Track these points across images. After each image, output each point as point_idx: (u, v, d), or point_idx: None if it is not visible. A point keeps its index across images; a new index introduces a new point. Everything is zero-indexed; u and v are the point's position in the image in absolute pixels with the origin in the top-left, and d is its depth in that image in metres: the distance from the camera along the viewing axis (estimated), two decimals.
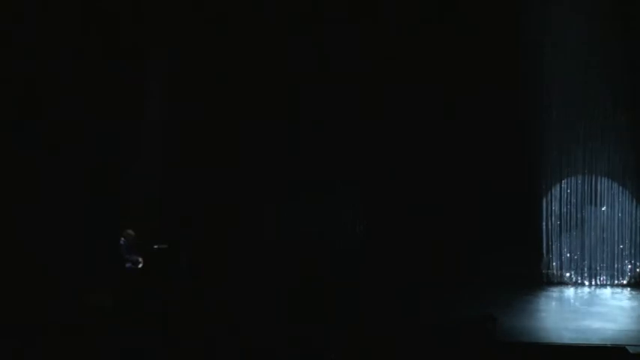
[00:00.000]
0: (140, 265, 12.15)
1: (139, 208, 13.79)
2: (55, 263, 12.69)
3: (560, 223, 14.64)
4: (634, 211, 14.51)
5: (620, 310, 12.99)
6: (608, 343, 10.63)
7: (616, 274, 14.56)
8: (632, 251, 14.54)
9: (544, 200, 14.65)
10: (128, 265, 12.06)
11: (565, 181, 14.63)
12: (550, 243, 14.63)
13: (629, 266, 14.54)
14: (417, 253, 14.01)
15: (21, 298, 11.42)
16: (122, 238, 12.07)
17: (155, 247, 12.39)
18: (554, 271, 14.64)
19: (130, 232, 12.18)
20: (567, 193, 14.63)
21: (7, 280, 12.04)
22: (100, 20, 13.71)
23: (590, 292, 14.26)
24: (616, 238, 14.56)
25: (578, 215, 14.63)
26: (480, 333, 10.16)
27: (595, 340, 10.80)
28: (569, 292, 14.33)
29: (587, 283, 14.60)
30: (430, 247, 14.08)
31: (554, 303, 13.66)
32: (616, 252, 14.57)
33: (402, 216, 14.36)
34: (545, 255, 14.58)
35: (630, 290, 14.26)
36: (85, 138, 13.70)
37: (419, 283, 13.37)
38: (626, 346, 10.19)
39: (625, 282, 14.52)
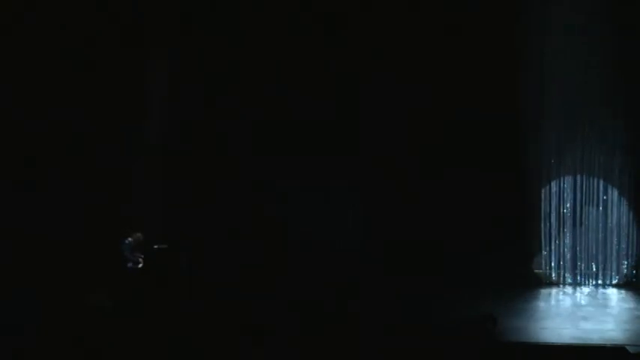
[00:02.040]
0: (140, 265, 12.16)
1: (139, 209, 13.80)
2: (55, 263, 12.72)
3: (559, 224, 14.64)
4: (632, 212, 14.50)
5: (619, 310, 13.00)
6: (608, 343, 10.64)
7: (614, 274, 14.56)
8: (630, 252, 14.54)
9: (543, 201, 14.65)
10: (129, 264, 12.06)
11: (564, 181, 14.63)
12: (549, 243, 14.63)
13: (626, 266, 14.54)
14: (416, 253, 14.03)
15: (21, 297, 11.43)
16: (129, 238, 12.05)
17: (155, 247, 12.40)
18: (552, 272, 14.64)
19: (139, 235, 12.16)
20: (566, 193, 14.62)
21: (7, 279, 12.07)
22: (100, 20, 13.74)
23: (589, 292, 14.27)
24: (614, 239, 14.56)
25: (577, 216, 14.63)
26: (480, 333, 10.17)
27: (595, 340, 10.81)
28: (569, 292, 14.34)
29: (586, 283, 14.61)
30: (430, 247, 14.09)
31: (553, 303, 13.67)
32: (614, 252, 14.57)
33: (402, 216, 14.37)
34: (538, 254, 14.58)
35: (628, 290, 14.26)
36: (85, 138, 13.72)
37: (419, 283, 13.38)
38: (626, 346, 10.20)
39: (623, 282, 14.52)
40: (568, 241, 14.64)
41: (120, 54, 13.83)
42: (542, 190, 14.65)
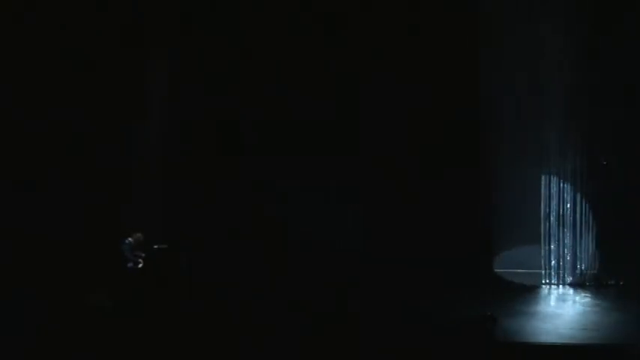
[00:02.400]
0: (140, 265, 12.16)
1: (139, 209, 13.80)
2: (55, 263, 12.72)
3: (559, 224, 14.64)
4: (630, 214, 14.49)
5: (618, 309, 13.00)
6: (608, 342, 10.65)
7: (613, 274, 14.56)
8: (628, 252, 14.53)
9: (542, 201, 14.64)
10: (129, 264, 12.07)
11: (564, 182, 14.62)
12: (549, 243, 14.64)
13: (626, 266, 14.56)
14: (416, 253, 14.03)
15: (21, 297, 11.44)
16: (129, 238, 12.05)
17: (155, 247, 12.40)
18: (552, 271, 14.66)
19: (139, 235, 12.17)
20: (566, 193, 14.62)
21: (7, 279, 12.07)
22: (100, 20, 13.74)
23: (588, 292, 14.27)
24: (614, 239, 14.55)
25: (577, 216, 14.62)
26: (480, 333, 10.17)
27: (595, 340, 10.81)
28: (568, 292, 14.35)
29: (585, 283, 14.61)
30: (430, 247, 14.09)
31: (553, 303, 13.67)
32: (613, 253, 14.57)
33: (402, 216, 14.37)
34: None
35: (627, 290, 14.26)
36: (85, 138, 13.73)
37: (419, 282, 13.39)
38: (625, 346, 10.21)
39: (622, 282, 14.52)
40: (568, 241, 14.64)
41: (120, 54, 13.84)
42: (542, 190, 14.65)
